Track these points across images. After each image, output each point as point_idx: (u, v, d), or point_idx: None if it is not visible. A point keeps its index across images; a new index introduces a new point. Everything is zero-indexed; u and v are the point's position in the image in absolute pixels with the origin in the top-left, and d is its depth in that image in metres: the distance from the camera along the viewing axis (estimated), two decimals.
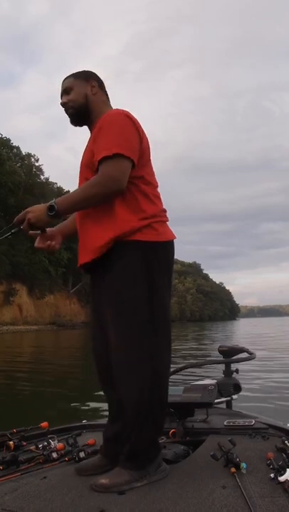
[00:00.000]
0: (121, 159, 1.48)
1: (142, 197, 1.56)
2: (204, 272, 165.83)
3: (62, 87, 1.68)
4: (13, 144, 58.73)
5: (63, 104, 1.67)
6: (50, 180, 62.35)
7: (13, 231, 1.59)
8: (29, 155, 59.09)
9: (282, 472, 1.34)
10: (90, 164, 1.56)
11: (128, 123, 1.54)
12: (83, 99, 1.65)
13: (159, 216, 1.60)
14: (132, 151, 1.51)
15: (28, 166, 58.38)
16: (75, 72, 1.70)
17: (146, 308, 1.50)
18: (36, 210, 1.51)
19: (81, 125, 1.70)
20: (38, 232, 1.64)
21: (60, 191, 59.70)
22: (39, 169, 60.64)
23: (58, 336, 31.79)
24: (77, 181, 1.67)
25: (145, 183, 1.58)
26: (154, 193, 1.61)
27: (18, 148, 59.52)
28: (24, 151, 59.87)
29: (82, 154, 1.68)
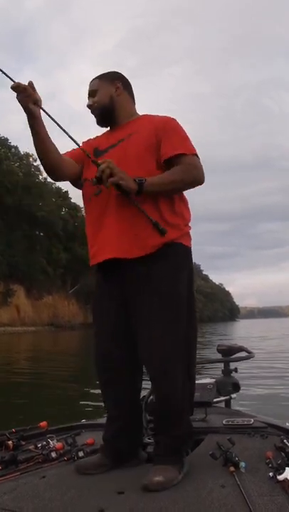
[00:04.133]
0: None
1: (184, 204, 1.66)
2: (204, 273, 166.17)
3: (88, 89, 1.70)
4: (12, 144, 58.62)
5: (89, 106, 1.69)
6: (48, 180, 62.12)
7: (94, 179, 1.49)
8: (28, 155, 58.92)
9: (281, 471, 1.34)
10: (151, 148, 1.59)
11: None
12: (108, 100, 1.67)
13: (190, 224, 1.70)
14: None
15: (26, 165, 58.23)
16: (100, 73, 1.72)
17: (187, 304, 1.59)
18: (125, 175, 1.47)
19: (107, 125, 1.73)
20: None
21: (58, 191, 59.51)
22: (37, 169, 60.44)
23: (57, 338, 31.72)
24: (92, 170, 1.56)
25: None
26: (187, 200, 1.69)
27: (16, 147, 59.34)
28: (23, 150, 59.72)
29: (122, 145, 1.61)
